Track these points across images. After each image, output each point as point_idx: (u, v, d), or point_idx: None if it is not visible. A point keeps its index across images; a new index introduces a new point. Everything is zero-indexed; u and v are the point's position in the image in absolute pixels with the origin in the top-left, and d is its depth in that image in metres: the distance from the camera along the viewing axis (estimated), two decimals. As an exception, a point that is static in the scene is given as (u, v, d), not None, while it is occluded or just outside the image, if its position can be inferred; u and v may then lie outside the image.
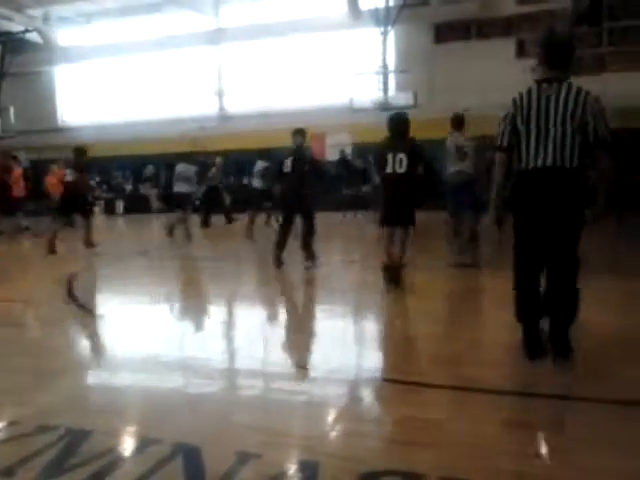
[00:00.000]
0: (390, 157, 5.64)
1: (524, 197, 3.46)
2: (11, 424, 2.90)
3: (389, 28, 15.70)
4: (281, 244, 7.20)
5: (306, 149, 7.99)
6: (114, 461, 2.48)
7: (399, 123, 5.82)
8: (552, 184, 3.33)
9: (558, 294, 3.43)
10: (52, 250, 9.21)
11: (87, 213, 9.79)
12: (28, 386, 3.44)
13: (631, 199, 9.53)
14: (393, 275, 5.71)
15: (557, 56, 3.41)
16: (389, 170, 5.65)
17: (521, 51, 15.23)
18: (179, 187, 10.81)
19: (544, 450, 2.46)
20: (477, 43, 15.57)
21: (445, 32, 15.92)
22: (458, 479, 2.24)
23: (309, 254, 7.20)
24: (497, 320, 4.65)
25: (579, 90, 3.31)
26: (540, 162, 3.34)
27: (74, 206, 9.71)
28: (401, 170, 5.60)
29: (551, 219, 3.36)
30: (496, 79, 14.39)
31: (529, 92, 3.40)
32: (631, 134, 10.46)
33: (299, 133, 7.31)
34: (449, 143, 7.40)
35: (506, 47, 15.24)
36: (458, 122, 7.52)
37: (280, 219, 7.89)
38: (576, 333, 3.50)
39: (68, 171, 9.65)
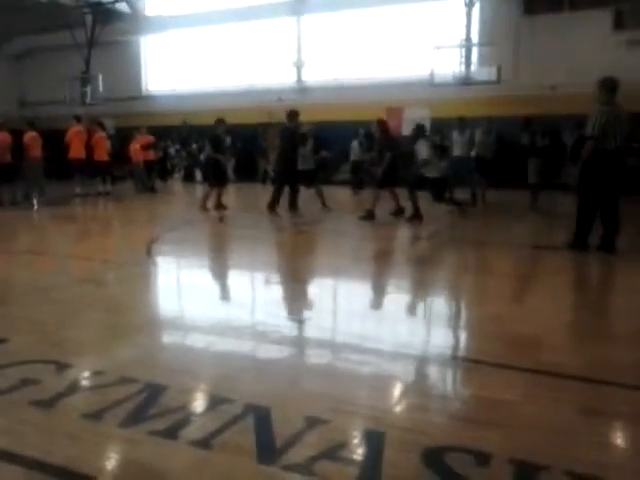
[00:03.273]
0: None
1: None
2: (97, 373, 3.10)
3: (475, -1, 15.11)
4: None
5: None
6: (189, 415, 2.61)
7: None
8: None
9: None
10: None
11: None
12: (109, 340, 3.65)
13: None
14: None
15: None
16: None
17: (618, 23, 14.19)
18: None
19: (623, 441, 2.35)
20: (569, 15, 14.62)
21: (535, 3, 15.04)
22: (531, 463, 2.19)
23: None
24: (572, 305, 4.48)
25: None
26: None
27: None
28: None
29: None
30: (588, 54, 13.58)
31: None
32: None
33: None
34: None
35: (601, 19, 14.24)
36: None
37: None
38: None
39: None
